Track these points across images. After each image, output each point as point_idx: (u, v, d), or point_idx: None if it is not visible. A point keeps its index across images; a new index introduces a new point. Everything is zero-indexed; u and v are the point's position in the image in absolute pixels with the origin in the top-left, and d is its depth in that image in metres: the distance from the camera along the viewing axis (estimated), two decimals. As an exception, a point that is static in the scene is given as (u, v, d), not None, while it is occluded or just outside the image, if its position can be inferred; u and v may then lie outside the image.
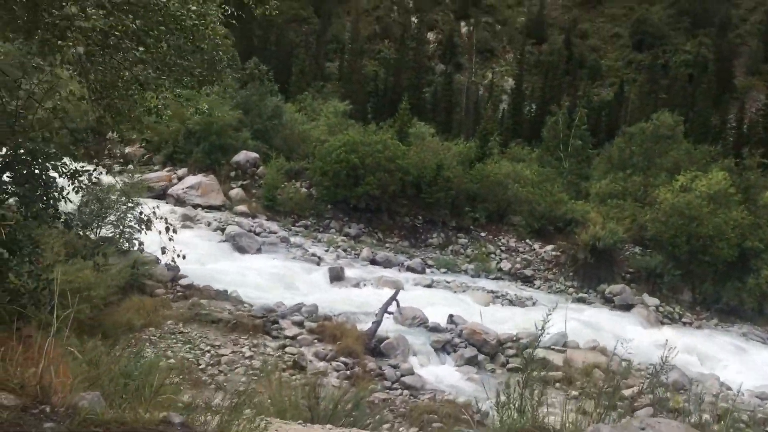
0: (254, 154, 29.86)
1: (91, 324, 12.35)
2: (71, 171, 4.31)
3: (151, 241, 17.88)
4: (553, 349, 16.77)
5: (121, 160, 30.44)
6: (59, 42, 3.39)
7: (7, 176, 3.80)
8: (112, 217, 16.57)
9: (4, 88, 4.56)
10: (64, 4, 3.08)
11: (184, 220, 23.53)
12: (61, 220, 4.08)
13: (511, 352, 16.42)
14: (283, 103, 35.49)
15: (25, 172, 3.82)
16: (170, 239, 6.41)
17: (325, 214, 27.83)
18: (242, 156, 29.49)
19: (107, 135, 26.83)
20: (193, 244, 20.77)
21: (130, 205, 16.89)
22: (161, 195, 26.57)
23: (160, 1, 4.01)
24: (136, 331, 13.35)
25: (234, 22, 5.83)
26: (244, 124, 31.13)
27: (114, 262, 14.97)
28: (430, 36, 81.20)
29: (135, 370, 8.08)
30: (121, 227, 16.71)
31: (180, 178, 28.10)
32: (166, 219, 6.27)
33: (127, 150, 31.26)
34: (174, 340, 13.58)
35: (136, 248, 16.97)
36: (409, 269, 24.11)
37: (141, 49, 3.92)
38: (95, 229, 16.42)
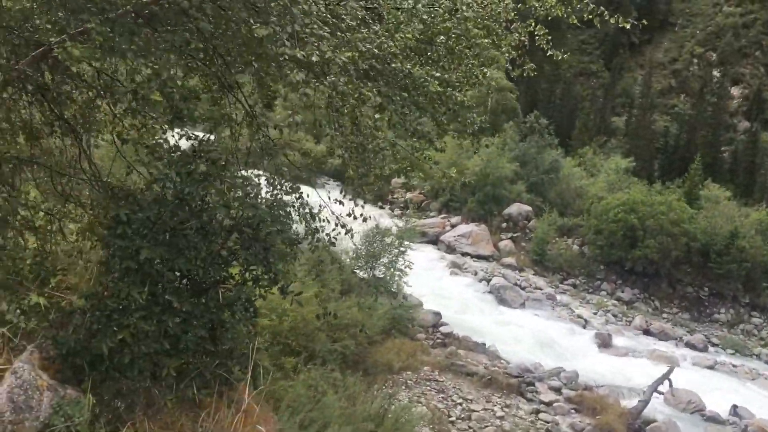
0: (527, 207, 29.74)
1: (355, 360, 13.09)
2: (297, 236, 4.50)
3: (418, 284, 18.58)
4: None
5: (402, 205, 32.44)
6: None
7: (235, 237, 4.08)
8: (384, 259, 17.49)
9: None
10: (288, 72, 3.21)
11: (453, 267, 24.13)
12: (278, 286, 4.26)
13: (811, 462, 13.81)
14: (562, 157, 34.92)
15: (249, 236, 4.08)
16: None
17: (596, 274, 26.51)
18: (515, 208, 29.53)
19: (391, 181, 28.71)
20: (458, 293, 21.16)
21: (402, 249, 17.75)
22: (434, 240, 27.60)
23: (404, 68, 4.07)
24: (394, 372, 13.80)
25: (514, 74, 5.74)
26: (520, 177, 31.24)
27: (382, 303, 15.76)
28: (734, 91, 73.90)
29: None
30: (392, 269, 17.58)
31: (453, 226, 28.96)
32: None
33: (409, 196, 33.14)
34: (428, 387, 13.76)
35: (404, 290, 17.79)
36: (688, 345, 21.79)
37: (378, 116, 3.99)
38: (370, 270, 17.50)
